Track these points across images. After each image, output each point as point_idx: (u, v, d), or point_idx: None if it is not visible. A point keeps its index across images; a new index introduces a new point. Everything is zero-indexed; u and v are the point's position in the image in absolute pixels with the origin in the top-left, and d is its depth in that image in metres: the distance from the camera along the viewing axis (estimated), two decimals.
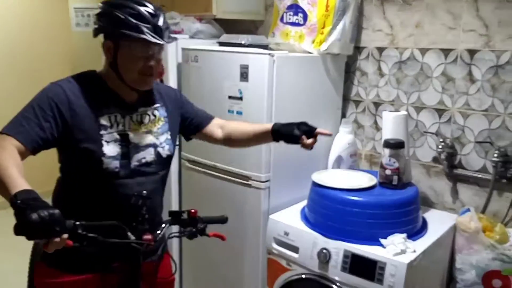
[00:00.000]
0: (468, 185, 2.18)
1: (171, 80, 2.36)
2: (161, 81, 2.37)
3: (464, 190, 2.19)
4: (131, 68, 1.38)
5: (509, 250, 1.88)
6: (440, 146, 2.19)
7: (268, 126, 1.64)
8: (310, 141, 1.56)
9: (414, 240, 1.83)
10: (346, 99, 2.52)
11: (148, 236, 1.33)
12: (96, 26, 1.40)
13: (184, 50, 2.31)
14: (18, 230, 0.99)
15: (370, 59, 2.41)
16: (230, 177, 2.14)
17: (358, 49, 2.43)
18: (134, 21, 1.32)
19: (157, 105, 1.54)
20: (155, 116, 1.52)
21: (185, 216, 1.47)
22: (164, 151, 1.52)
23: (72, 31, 4.60)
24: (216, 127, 1.71)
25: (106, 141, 1.39)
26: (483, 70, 2.04)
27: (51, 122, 1.31)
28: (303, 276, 1.90)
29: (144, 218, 1.41)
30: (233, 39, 2.27)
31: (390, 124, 2.05)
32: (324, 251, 1.81)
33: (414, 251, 1.73)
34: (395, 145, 1.95)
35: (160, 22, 1.36)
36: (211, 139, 1.73)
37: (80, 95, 1.38)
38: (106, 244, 1.23)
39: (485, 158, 2.10)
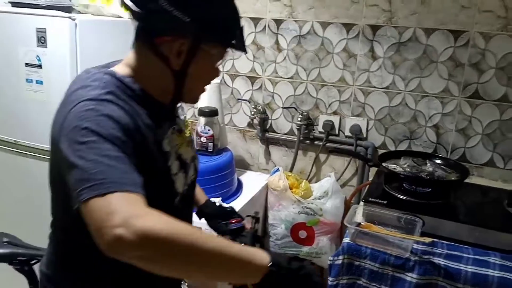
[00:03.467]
0: (278, 147, 2.36)
1: None
2: None
3: (275, 152, 2.37)
4: (205, 80, 1.03)
5: (312, 204, 2.10)
6: (252, 112, 2.31)
7: None
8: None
9: (229, 202, 1.92)
10: None
11: None
12: (162, 13, 0.89)
13: None
14: None
15: None
16: (34, 154, 1.93)
17: None
18: (232, 23, 0.97)
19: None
20: (184, 117, 1.15)
21: None
22: (199, 162, 1.20)
23: None
24: None
25: (174, 173, 1.02)
26: (288, 39, 2.19)
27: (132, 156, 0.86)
28: None
29: None
30: None
31: (205, 93, 2.07)
32: None
33: None
34: (209, 113, 1.99)
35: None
36: None
37: (137, 117, 0.92)
38: None
39: (292, 122, 2.28)
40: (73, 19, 1.76)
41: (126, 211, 0.71)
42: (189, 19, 0.89)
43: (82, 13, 2.10)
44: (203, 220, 1.33)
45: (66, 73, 1.79)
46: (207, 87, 1.07)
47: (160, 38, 0.93)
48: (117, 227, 0.69)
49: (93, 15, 2.06)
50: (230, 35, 0.97)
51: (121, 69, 0.97)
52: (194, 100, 1.08)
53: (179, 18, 0.89)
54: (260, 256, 0.83)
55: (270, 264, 0.83)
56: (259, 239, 1.22)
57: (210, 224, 1.32)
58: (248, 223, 1.30)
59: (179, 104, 1.11)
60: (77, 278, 1.01)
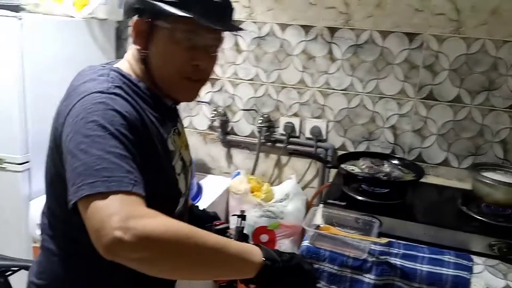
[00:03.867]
0: (240, 149, 2.33)
1: None
2: None
3: (237, 155, 2.35)
4: (168, 63, 0.92)
5: (273, 207, 2.09)
6: (213, 115, 2.28)
7: None
8: None
9: None
10: None
11: None
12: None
13: None
14: None
15: None
16: None
17: None
18: None
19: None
20: (181, 120, 1.14)
21: None
22: (193, 166, 1.18)
23: None
24: None
25: (178, 173, 0.99)
26: (248, 40, 2.17)
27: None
28: None
29: None
30: None
31: None
32: None
33: None
34: None
35: None
36: None
37: (143, 114, 0.90)
38: None
39: (253, 124, 2.27)
40: (20, 19, 1.68)
41: (126, 213, 0.70)
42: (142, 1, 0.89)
43: (32, 12, 2.02)
44: None
45: (13, 75, 1.71)
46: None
47: (135, 20, 0.93)
48: (116, 229, 0.68)
49: (44, 14, 1.99)
50: (187, 6, 0.87)
51: (124, 67, 0.96)
52: (176, 92, 0.97)
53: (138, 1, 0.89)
54: (255, 251, 0.84)
55: (264, 258, 0.84)
56: (246, 237, 1.22)
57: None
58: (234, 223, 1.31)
59: (178, 107, 1.10)
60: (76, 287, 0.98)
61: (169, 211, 0.79)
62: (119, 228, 0.68)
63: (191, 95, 1.00)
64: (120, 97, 0.85)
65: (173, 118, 1.04)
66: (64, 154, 0.80)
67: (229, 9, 0.96)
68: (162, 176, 0.93)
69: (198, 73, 0.95)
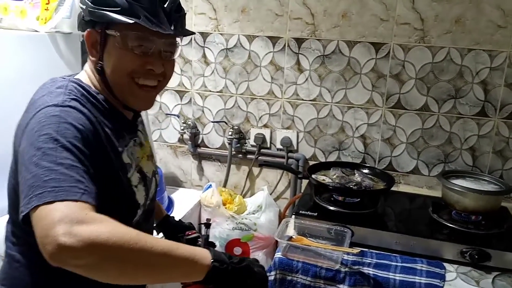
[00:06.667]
0: (211, 162, 2.30)
1: None
2: None
3: (208, 167, 2.32)
4: (120, 69, 0.94)
5: (246, 219, 2.07)
6: (182, 127, 2.25)
7: None
8: None
9: None
10: None
11: None
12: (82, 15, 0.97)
13: None
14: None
15: None
16: None
17: None
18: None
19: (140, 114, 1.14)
20: (144, 131, 1.15)
21: None
22: (158, 176, 1.19)
23: None
24: None
25: (135, 185, 1.02)
26: (215, 52, 2.16)
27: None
28: None
29: None
30: None
31: None
32: None
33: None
34: None
35: (167, 3, 0.94)
36: None
37: (99, 127, 0.93)
38: None
39: (223, 136, 2.24)
40: None
41: (71, 219, 0.70)
42: (84, 6, 0.93)
43: None
44: (161, 234, 1.36)
45: None
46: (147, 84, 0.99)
47: (87, 33, 0.96)
48: (61, 235, 0.68)
49: (7, 29, 1.93)
50: (136, 13, 0.91)
51: (84, 78, 0.98)
52: (130, 99, 0.99)
53: (83, 8, 0.94)
54: (204, 254, 0.86)
55: (212, 260, 0.86)
56: (212, 245, 1.27)
57: (167, 238, 1.34)
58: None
59: (139, 119, 1.13)
60: None
61: (125, 221, 0.79)
62: (63, 235, 0.68)
63: (147, 103, 1.02)
64: (75, 109, 0.87)
65: (132, 130, 1.07)
66: (19, 166, 0.82)
67: (179, 15, 0.98)
68: (117, 188, 0.95)
69: (152, 77, 0.97)
